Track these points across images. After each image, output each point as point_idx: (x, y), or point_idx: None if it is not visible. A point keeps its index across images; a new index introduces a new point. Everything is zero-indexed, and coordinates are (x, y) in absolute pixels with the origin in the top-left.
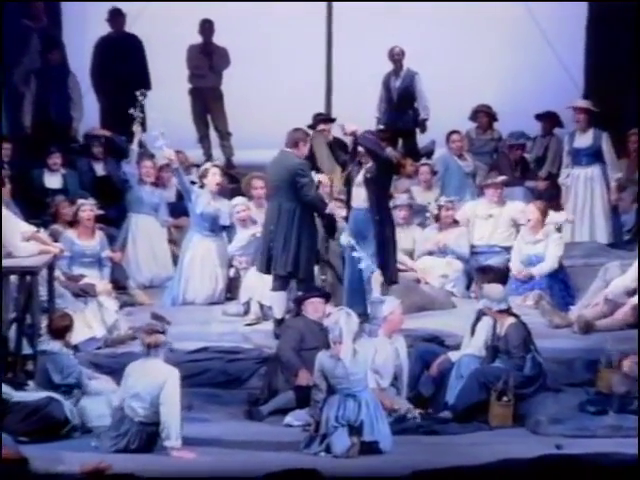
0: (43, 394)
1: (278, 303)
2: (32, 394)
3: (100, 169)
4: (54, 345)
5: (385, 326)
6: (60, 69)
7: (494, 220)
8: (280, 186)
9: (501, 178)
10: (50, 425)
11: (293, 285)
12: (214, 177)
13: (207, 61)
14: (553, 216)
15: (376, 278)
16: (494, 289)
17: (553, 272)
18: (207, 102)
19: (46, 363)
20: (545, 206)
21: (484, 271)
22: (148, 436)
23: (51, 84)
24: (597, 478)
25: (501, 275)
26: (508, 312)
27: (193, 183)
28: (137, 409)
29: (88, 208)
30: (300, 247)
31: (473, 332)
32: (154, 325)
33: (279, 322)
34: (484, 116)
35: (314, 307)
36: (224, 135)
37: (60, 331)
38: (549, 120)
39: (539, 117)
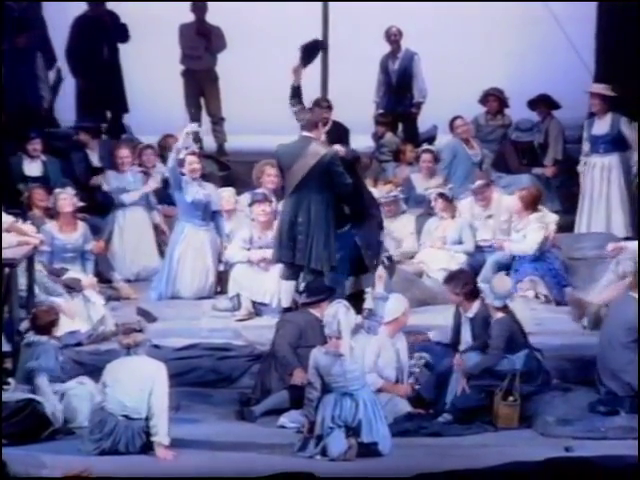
0: (24, 395)
1: (287, 292)
2: (13, 394)
3: (96, 160)
4: (41, 337)
5: (390, 326)
6: (28, 51)
7: (495, 219)
8: (307, 177)
9: (478, 183)
10: (31, 428)
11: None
12: (191, 166)
13: (203, 42)
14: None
15: (379, 274)
16: (502, 283)
17: (539, 261)
18: (201, 84)
19: (40, 354)
20: (529, 196)
21: (453, 278)
22: (134, 432)
23: (21, 66)
24: None
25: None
26: (503, 309)
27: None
28: (125, 403)
29: (67, 197)
30: (337, 241)
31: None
32: (130, 324)
33: (286, 311)
34: (495, 100)
35: (326, 306)
36: (217, 120)
37: (46, 326)
38: (543, 104)
39: (531, 104)
